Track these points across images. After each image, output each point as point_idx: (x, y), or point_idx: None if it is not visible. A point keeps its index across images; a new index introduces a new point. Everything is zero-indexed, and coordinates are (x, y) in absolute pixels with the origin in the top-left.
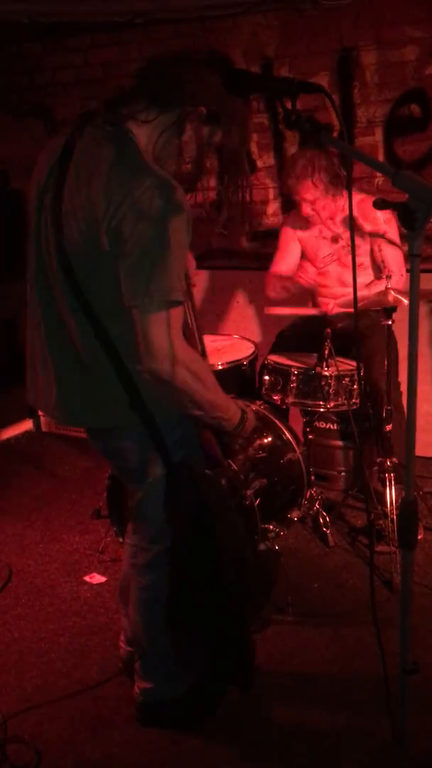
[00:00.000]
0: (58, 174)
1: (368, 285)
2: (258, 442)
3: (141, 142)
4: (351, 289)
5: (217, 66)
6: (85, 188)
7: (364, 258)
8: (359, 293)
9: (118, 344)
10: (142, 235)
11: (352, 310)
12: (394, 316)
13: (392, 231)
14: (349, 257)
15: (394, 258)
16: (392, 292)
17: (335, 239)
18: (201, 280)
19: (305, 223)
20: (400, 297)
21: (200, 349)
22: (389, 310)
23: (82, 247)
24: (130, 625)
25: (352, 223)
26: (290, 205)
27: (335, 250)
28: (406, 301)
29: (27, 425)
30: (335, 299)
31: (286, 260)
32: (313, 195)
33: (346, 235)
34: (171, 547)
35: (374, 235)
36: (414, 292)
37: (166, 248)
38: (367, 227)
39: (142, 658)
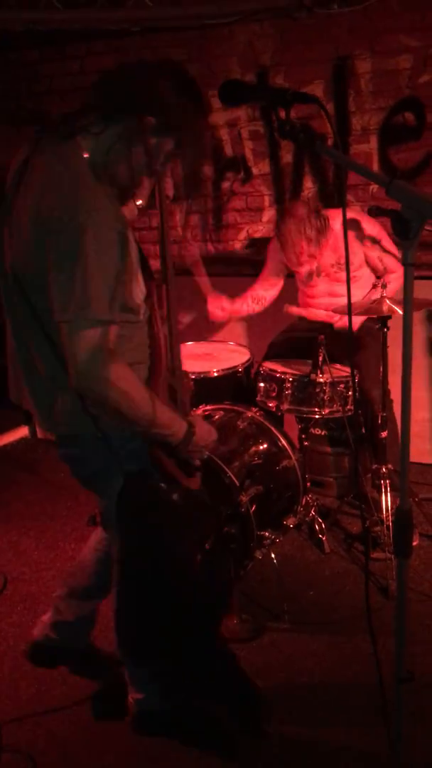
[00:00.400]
0: (13, 190)
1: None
2: (253, 449)
3: (91, 155)
4: (342, 298)
5: (168, 73)
6: (28, 199)
7: (354, 272)
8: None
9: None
10: (64, 253)
11: (345, 317)
12: (389, 322)
13: (386, 236)
14: (340, 274)
15: (396, 261)
16: (387, 301)
17: (318, 272)
18: (196, 286)
19: None
20: (394, 307)
21: (173, 364)
22: (384, 319)
23: (25, 260)
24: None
25: (346, 232)
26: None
27: (324, 268)
28: (400, 311)
29: (23, 432)
30: (326, 309)
31: (269, 279)
32: (310, 254)
33: (336, 256)
34: (119, 560)
35: (374, 241)
36: (408, 300)
37: (87, 266)
38: (371, 230)
39: (129, 667)
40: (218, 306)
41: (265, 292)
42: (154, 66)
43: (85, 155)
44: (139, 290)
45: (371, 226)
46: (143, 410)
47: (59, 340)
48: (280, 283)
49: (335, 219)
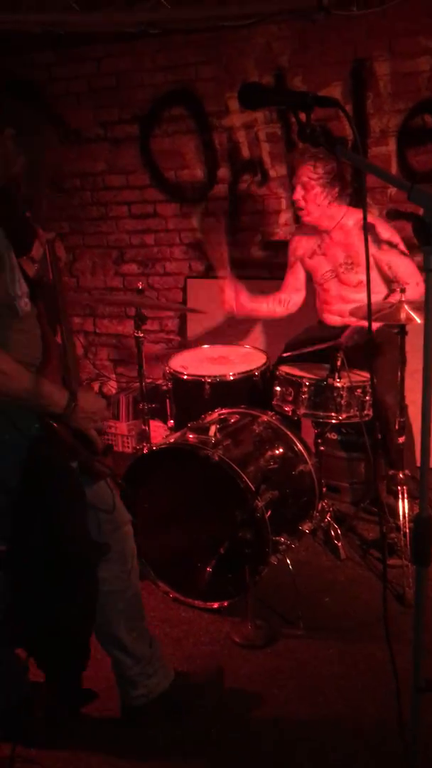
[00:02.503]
0: None
1: (384, 299)
2: (269, 453)
3: None
4: (353, 304)
5: (21, 91)
6: None
7: (363, 276)
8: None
9: None
10: None
11: (364, 321)
12: (407, 327)
13: (400, 241)
14: (349, 275)
15: (407, 268)
16: (405, 307)
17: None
18: (212, 290)
19: (308, 235)
20: (413, 314)
21: (65, 365)
22: (402, 325)
23: None
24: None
25: (366, 234)
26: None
27: (334, 267)
28: (419, 320)
29: None
30: (340, 315)
31: (292, 284)
32: (308, 177)
33: (345, 255)
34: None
35: (390, 245)
36: (430, 306)
37: None
38: (385, 235)
39: (112, 659)
40: (234, 298)
41: (289, 296)
42: (7, 82)
43: None
44: (13, 286)
45: (385, 230)
46: (18, 383)
47: None
48: (304, 287)
49: (348, 217)
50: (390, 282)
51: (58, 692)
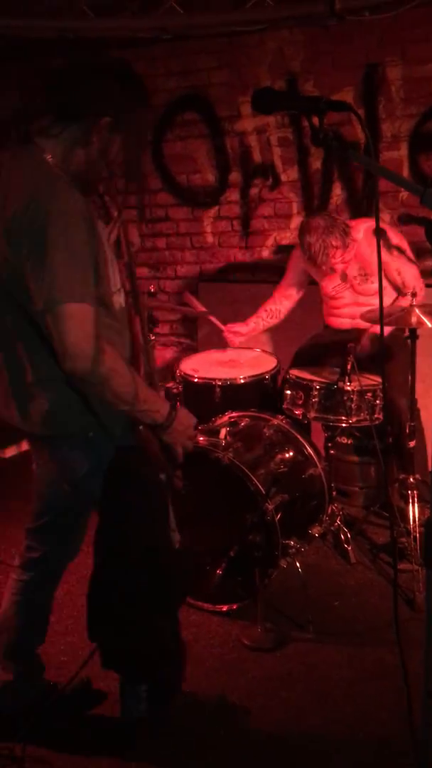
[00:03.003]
0: None
1: (392, 303)
2: (279, 456)
3: (53, 156)
4: (365, 308)
5: (116, 72)
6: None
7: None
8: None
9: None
10: (34, 243)
11: (377, 325)
12: (417, 330)
13: (408, 248)
14: (364, 285)
15: (413, 276)
16: (417, 311)
17: (344, 277)
18: (223, 292)
19: None
20: (424, 318)
21: (146, 370)
22: (412, 331)
23: (5, 264)
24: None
25: (379, 238)
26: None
27: (347, 279)
28: (430, 324)
29: None
30: (351, 318)
31: (283, 292)
32: (339, 257)
33: (358, 267)
34: (96, 531)
35: (400, 250)
36: None
37: (56, 250)
38: (394, 240)
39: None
40: (234, 333)
41: (279, 305)
42: (104, 66)
43: (48, 156)
44: (110, 280)
45: (395, 236)
46: (129, 386)
47: (46, 330)
48: (298, 295)
49: (358, 229)
50: (398, 288)
51: (149, 697)
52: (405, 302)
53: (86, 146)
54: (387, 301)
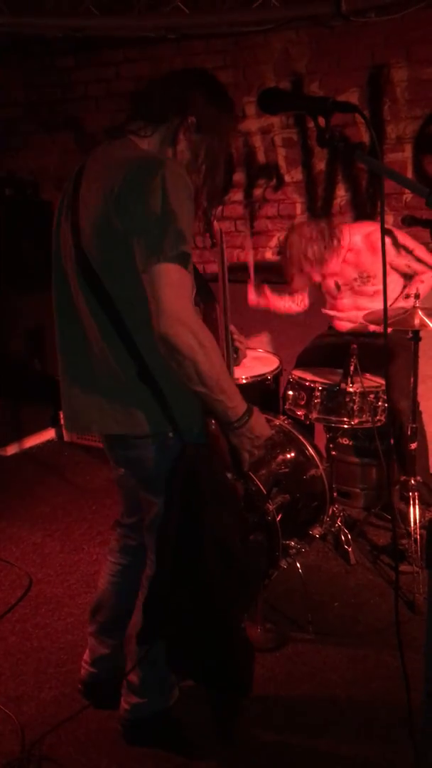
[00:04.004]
0: (73, 189)
1: (400, 292)
2: (281, 457)
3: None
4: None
5: (201, 81)
6: (95, 183)
7: (380, 285)
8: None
9: (140, 346)
10: (147, 202)
11: (378, 327)
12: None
13: (417, 245)
14: (365, 287)
15: (424, 267)
16: (419, 313)
17: (337, 287)
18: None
19: None
20: (426, 320)
21: (227, 351)
22: (414, 333)
23: (98, 243)
24: (133, 639)
25: (383, 239)
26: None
27: (347, 281)
28: None
29: (49, 434)
30: (352, 321)
31: (300, 284)
32: (314, 270)
33: (357, 271)
34: (159, 528)
35: (407, 250)
36: None
37: (168, 207)
38: (403, 241)
39: (142, 672)
40: (258, 291)
41: (302, 294)
42: (192, 73)
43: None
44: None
45: (403, 237)
46: (216, 369)
47: (147, 290)
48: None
49: (354, 235)
50: (409, 278)
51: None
52: (407, 304)
53: (174, 145)
54: (392, 294)
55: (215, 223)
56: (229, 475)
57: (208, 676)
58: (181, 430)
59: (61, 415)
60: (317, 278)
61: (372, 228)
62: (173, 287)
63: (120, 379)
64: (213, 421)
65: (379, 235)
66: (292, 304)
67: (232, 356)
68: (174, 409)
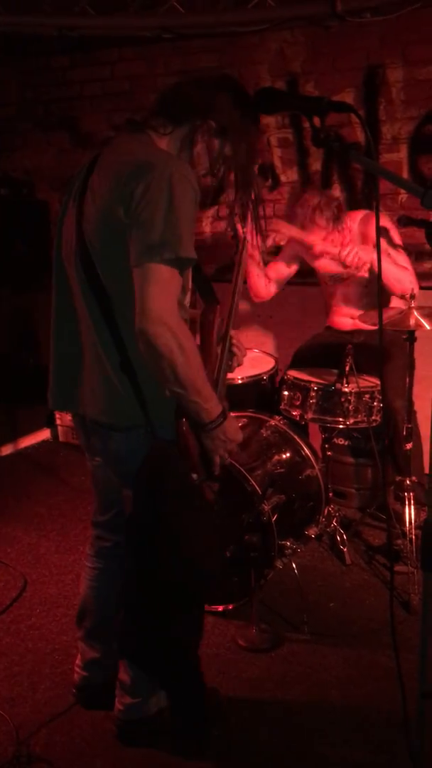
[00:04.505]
0: (84, 176)
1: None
2: (276, 457)
3: (166, 149)
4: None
5: (227, 86)
6: (106, 172)
7: (370, 281)
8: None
9: (126, 339)
10: (152, 200)
11: (373, 327)
12: (415, 332)
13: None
14: (359, 275)
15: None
16: (415, 313)
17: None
18: (221, 293)
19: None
20: (422, 320)
21: (213, 377)
22: (410, 333)
23: (98, 230)
24: (120, 637)
25: (379, 238)
26: None
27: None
28: (428, 326)
29: (44, 434)
30: (351, 317)
31: (276, 270)
32: (322, 236)
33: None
34: (127, 520)
35: (395, 246)
36: None
37: (172, 208)
38: (397, 239)
39: (133, 672)
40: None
41: (270, 280)
42: (216, 78)
43: (162, 146)
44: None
45: (396, 235)
46: (192, 371)
47: (136, 285)
48: (289, 270)
49: (355, 220)
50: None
51: (179, 708)
52: (403, 304)
53: (192, 146)
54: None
55: (240, 228)
56: (194, 476)
57: (153, 665)
58: (154, 426)
59: (48, 397)
60: (318, 249)
61: (363, 213)
62: (161, 287)
63: (105, 369)
64: (184, 421)
65: (373, 223)
66: (259, 280)
67: (227, 362)
68: (149, 404)
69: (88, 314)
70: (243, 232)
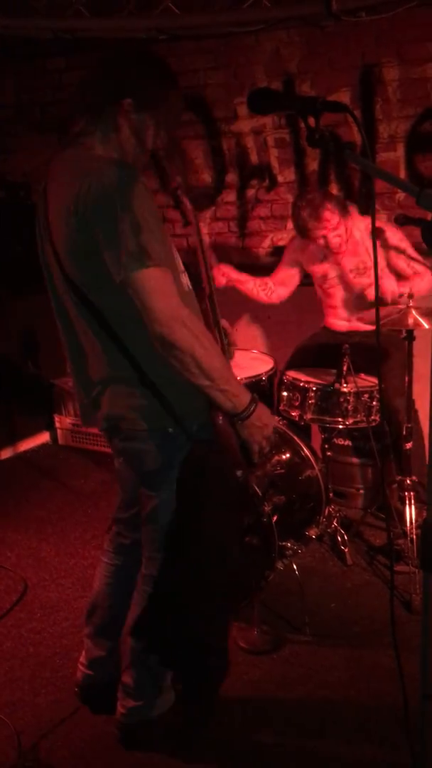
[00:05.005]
0: (43, 207)
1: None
2: (276, 458)
3: (99, 150)
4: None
5: (132, 59)
6: (57, 204)
7: (370, 280)
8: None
9: (133, 349)
10: (108, 215)
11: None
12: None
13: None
14: (360, 279)
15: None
16: (413, 312)
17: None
18: (219, 294)
19: (311, 248)
20: (420, 320)
21: (221, 344)
22: (408, 332)
23: (69, 249)
24: (128, 641)
25: (375, 237)
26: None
27: (342, 273)
28: (426, 325)
29: (44, 438)
30: (347, 320)
31: (281, 278)
32: (331, 225)
33: (356, 261)
34: (168, 526)
35: (398, 251)
36: None
37: (131, 214)
38: (394, 239)
39: (137, 674)
40: (222, 272)
41: (275, 286)
42: (118, 55)
43: (97, 151)
44: (177, 260)
45: (394, 234)
46: (216, 359)
47: (134, 299)
48: (293, 282)
49: (355, 226)
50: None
51: (191, 702)
52: (402, 303)
53: (117, 132)
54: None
55: (185, 200)
56: (239, 473)
57: (183, 663)
58: (186, 428)
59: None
60: (339, 237)
61: (369, 220)
62: (157, 292)
63: (117, 380)
64: (220, 416)
65: (378, 230)
66: (261, 290)
67: (226, 348)
68: (175, 405)
69: (91, 335)
70: (190, 205)
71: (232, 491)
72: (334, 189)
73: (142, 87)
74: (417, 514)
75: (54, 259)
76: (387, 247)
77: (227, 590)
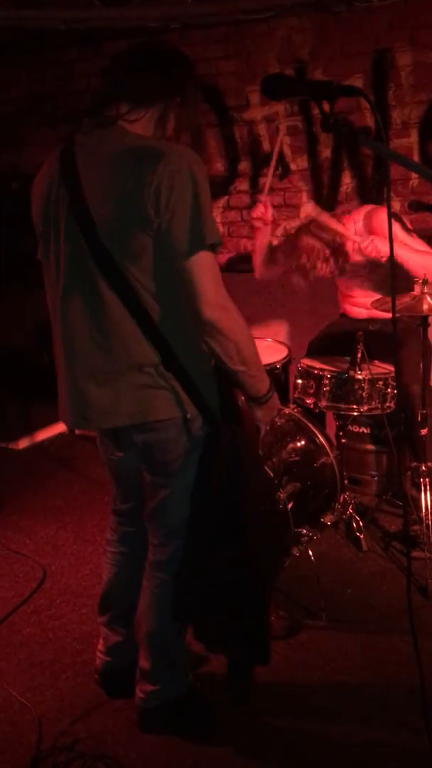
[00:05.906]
0: (67, 181)
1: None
2: (291, 445)
3: (147, 135)
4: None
5: (179, 58)
6: (106, 174)
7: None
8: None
9: (166, 334)
10: (184, 193)
11: (389, 314)
12: (429, 318)
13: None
14: (377, 269)
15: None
16: (428, 299)
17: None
18: (233, 283)
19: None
20: None
21: None
22: (423, 318)
23: (120, 231)
24: (142, 626)
25: (390, 226)
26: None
27: (359, 269)
28: None
29: (60, 427)
30: (366, 308)
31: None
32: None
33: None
34: (199, 504)
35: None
36: None
37: (202, 200)
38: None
39: (153, 658)
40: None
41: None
42: (168, 53)
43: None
44: None
45: (405, 219)
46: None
47: (186, 278)
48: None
49: (359, 219)
50: None
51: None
52: (416, 289)
53: (165, 124)
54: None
55: None
56: (261, 452)
57: (237, 642)
58: (204, 410)
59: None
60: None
61: (369, 208)
62: (212, 272)
63: (137, 368)
64: (242, 398)
65: (379, 215)
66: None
67: None
68: (201, 389)
69: (117, 318)
70: None
71: (261, 468)
72: (347, 177)
73: (187, 86)
74: None
75: (84, 236)
76: (406, 231)
77: (269, 558)
